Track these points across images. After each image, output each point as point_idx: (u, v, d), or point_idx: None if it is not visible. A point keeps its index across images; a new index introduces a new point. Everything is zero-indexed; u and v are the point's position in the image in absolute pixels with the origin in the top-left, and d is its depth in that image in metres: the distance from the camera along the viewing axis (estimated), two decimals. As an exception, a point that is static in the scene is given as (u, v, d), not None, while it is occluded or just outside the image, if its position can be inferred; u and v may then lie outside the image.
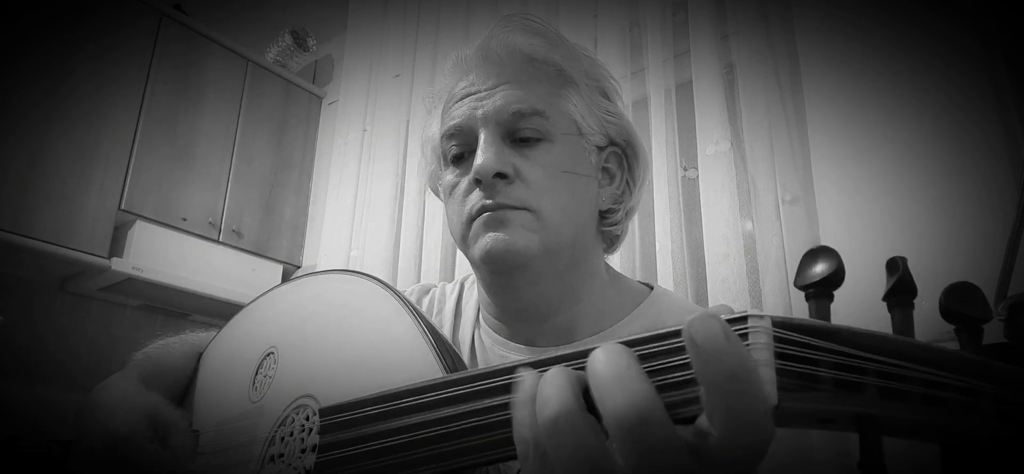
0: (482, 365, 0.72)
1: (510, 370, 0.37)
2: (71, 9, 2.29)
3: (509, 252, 0.63)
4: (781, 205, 1.53)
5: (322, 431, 0.47)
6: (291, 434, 0.56)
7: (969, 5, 1.41)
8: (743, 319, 0.29)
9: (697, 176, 1.67)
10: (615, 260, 1.68)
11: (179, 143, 2.51)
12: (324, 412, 0.47)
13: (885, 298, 0.34)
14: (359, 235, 2.40)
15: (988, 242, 1.29)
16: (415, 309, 0.55)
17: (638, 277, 1.75)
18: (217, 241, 2.55)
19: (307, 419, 0.55)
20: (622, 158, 0.73)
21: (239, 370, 0.66)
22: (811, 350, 0.28)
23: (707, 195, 1.62)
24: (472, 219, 0.66)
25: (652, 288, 0.75)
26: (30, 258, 2.22)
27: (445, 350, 0.51)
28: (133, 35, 2.44)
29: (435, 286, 0.86)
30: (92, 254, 2.22)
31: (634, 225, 1.74)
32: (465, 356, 0.74)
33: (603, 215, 0.72)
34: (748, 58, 1.64)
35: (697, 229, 1.65)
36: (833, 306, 0.33)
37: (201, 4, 2.81)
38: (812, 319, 0.30)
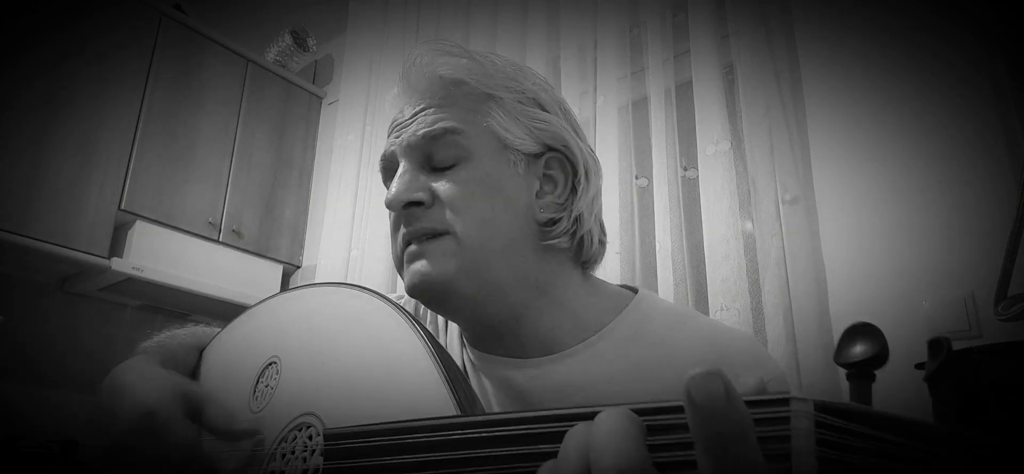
0: (472, 382, 0.71)
1: (533, 420, 0.35)
2: (71, 9, 2.29)
3: (426, 282, 0.63)
4: (781, 205, 1.53)
5: (326, 455, 0.46)
6: (293, 452, 0.54)
7: (969, 5, 1.41)
8: (785, 402, 0.27)
9: (697, 176, 1.67)
10: (615, 261, 1.69)
11: (179, 143, 2.51)
12: (329, 436, 0.46)
13: (927, 380, 0.31)
14: (359, 235, 2.40)
15: (988, 242, 1.29)
16: (429, 336, 0.53)
17: (638, 277, 1.75)
18: (217, 241, 2.55)
19: (310, 439, 0.53)
20: (565, 162, 0.70)
21: (240, 376, 0.65)
22: (850, 437, 0.27)
23: (707, 195, 1.62)
24: (401, 252, 0.66)
25: (636, 291, 0.73)
26: (30, 258, 2.22)
27: (458, 384, 0.49)
28: (133, 35, 2.44)
29: None
30: (92, 254, 2.22)
31: (633, 226, 1.74)
32: None
33: (546, 228, 0.68)
34: (748, 58, 1.64)
35: (697, 229, 1.65)
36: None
37: (201, 4, 2.81)
38: (858, 404, 0.28)
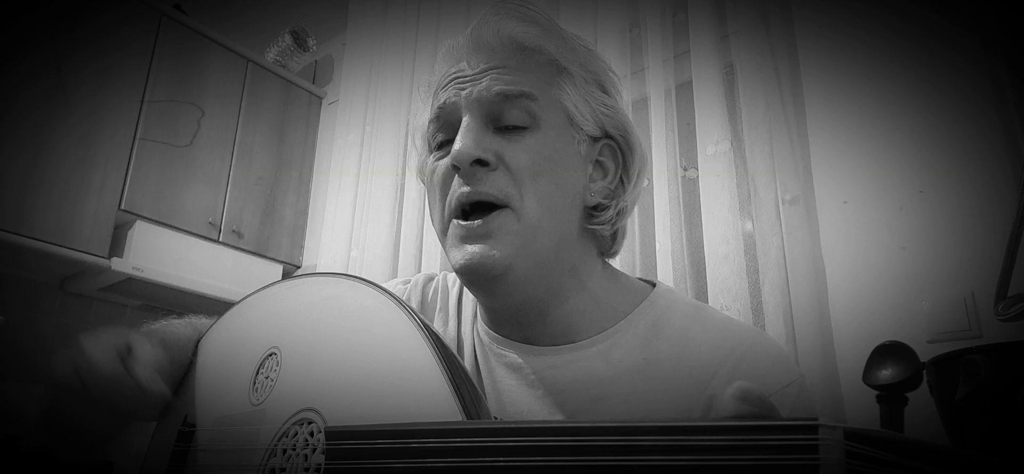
0: (483, 366, 0.71)
1: (541, 432, 0.34)
2: (71, 9, 2.29)
3: (486, 264, 0.61)
4: (781, 205, 1.53)
5: (328, 453, 0.45)
6: (294, 448, 0.53)
7: (969, 5, 1.41)
8: (813, 429, 0.26)
9: (697, 176, 1.67)
10: (614, 261, 1.68)
11: (179, 143, 2.51)
12: (331, 434, 0.45)
13: (960, 402, 0.30)
14: (359, 235, 2.40)
15: (988, 242, 1.29)
16: (433, 334, 0.52)
17: (638, 277, 1.74)
18: (217, 241, 2.55)
19: (311, 435, 0.52)
20: (617, 152, 0.70)
21: (239, 366, 0.64)
22: (883, 467, 0.26)
23: (707, 195, 1.62)
24: (452, 213, 0.64)
25: (655, 285, 0.73)
26: (30, 258, 2.22)
27: (464, 387, 0.47)
28: (133, 35, 2.44)
29: (437, 274, 0.84)
30: (92, 254, 2.22)
31: (634, 225, 1.74)
32: (467, 356, 0.73)
33: (592, 212, 0.68)
34: (748, 58, 1.64)
35: (697, 229, 1.65)
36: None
37: (201, 4, 2.81)
38: (889, 432, 0.27)
